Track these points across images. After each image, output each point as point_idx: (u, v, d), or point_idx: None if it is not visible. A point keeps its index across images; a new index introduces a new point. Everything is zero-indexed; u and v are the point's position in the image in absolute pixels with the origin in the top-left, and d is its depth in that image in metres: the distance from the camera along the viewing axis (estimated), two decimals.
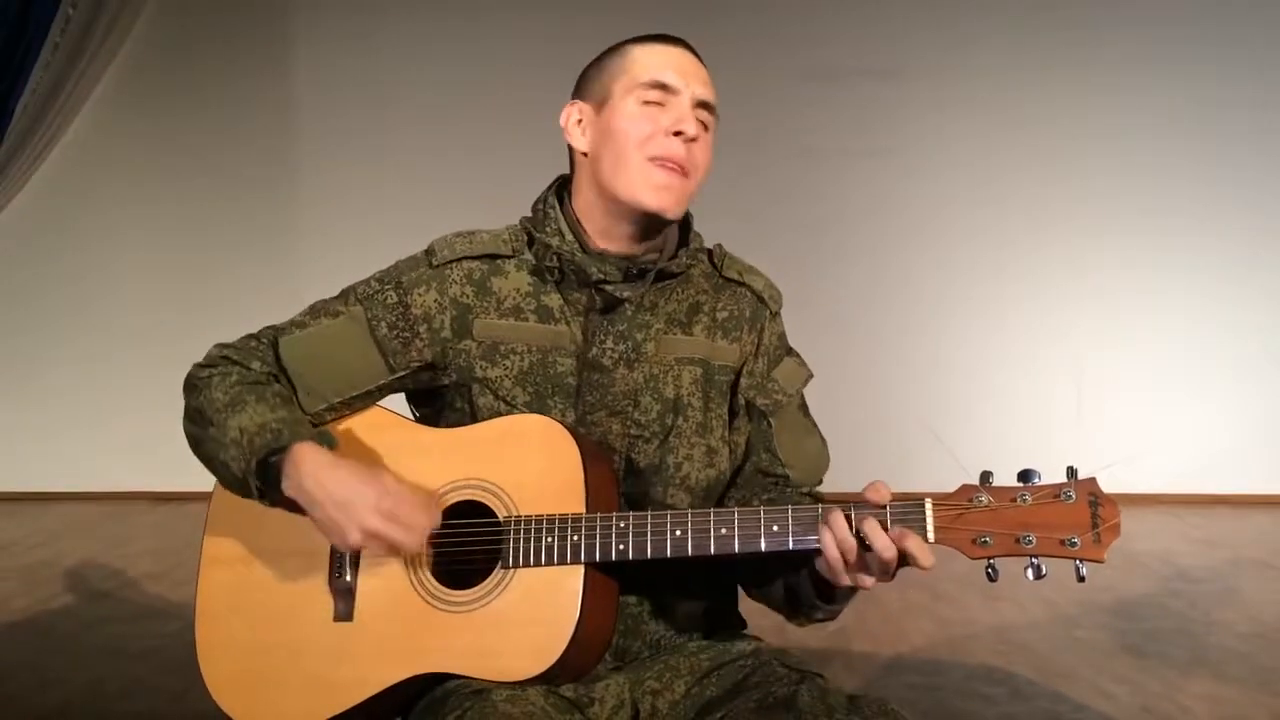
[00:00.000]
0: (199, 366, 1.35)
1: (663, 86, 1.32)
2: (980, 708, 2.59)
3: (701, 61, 1.38)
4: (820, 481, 1.46)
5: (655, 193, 1.31)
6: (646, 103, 1.32)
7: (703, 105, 1.34)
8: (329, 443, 1.28)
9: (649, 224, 1.34)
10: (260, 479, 1.25)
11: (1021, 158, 5.13)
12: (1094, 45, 5.11)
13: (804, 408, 1.47)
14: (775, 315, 1.46)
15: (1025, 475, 1.17)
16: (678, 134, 1.30)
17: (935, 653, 2.96)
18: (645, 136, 1.31)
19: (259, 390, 1.31)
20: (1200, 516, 4.77)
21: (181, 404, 1.35)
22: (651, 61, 1.34)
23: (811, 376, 1.47)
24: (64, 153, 5.26)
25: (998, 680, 2.77)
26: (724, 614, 1.42)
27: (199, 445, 1.32)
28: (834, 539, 1.17)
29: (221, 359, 1.34)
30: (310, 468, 1.22)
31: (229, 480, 1.29)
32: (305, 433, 1.27)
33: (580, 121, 1.38)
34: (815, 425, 1.47)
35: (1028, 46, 5.13)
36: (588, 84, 1.39)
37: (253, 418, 1.26)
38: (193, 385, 1.34)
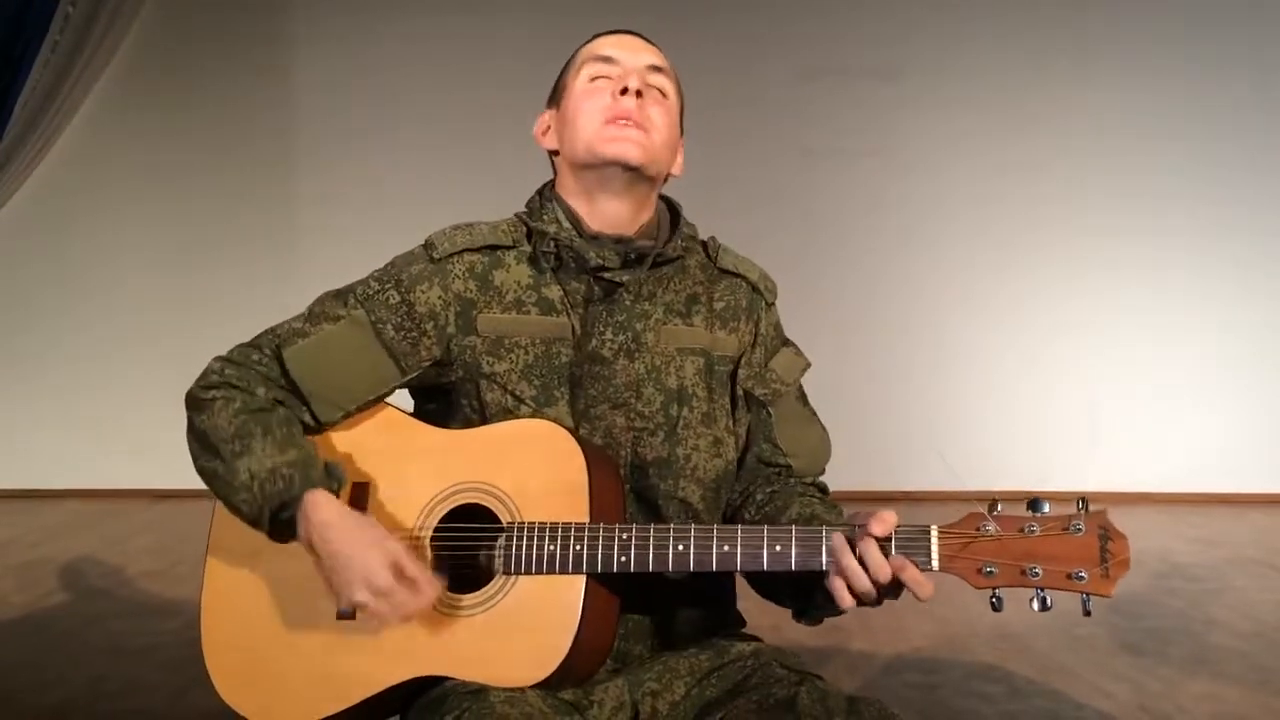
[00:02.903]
0: (201, 387, 1.32)
1: (606, 59, 1.38)
2: (979, 706, 2.59)
3: (651, 43, 1.42)
4: (822, 471, 1.47)
5: (612, 143, 1.33)
6: (594, 78, 1.38)
7: (653, 69, 1.39)
8: (338, 479, 1.28)
9: (622, 182, 1.35)
10: (272, 526, 1.26)
11: (1020, 157, 5.13)
12: (1092, 44, 5.12)
13: (803, 397, 1.48)
14: (771, 305, 1.47)
15: (1034, 504, 1.16)
16: (625, 92, 1.34)
17: (935, 651, 2.96)
18: (597, 103, 1.35)
19: (264, 420, 1.28)
20: (1199, 515, 4.77)
21: (181, 403, 1.32)
22: (596, 44, 1.41)
23: (809, 366, 1.48)
24: (63, 151, 5.25)
25: (997, 679, 2.77)
26: (723, 614, 1.41)
27: (208, 477, 1.30)
28: (836, 565, 1.17)
29: (224, 383, 1.30)
30: (319, 520, 1.23)
31: (239, 517, 1.29)
32: (316, 476, 1.25)
33: (548, 129, 1.44)
34: (815, 414, 1.48)
35: (1026, 46, 5.13)
36: (550, 94, 1.45)
37: (261, 460, 1.25)
38: (196, 403, 1.31)
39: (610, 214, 1.37)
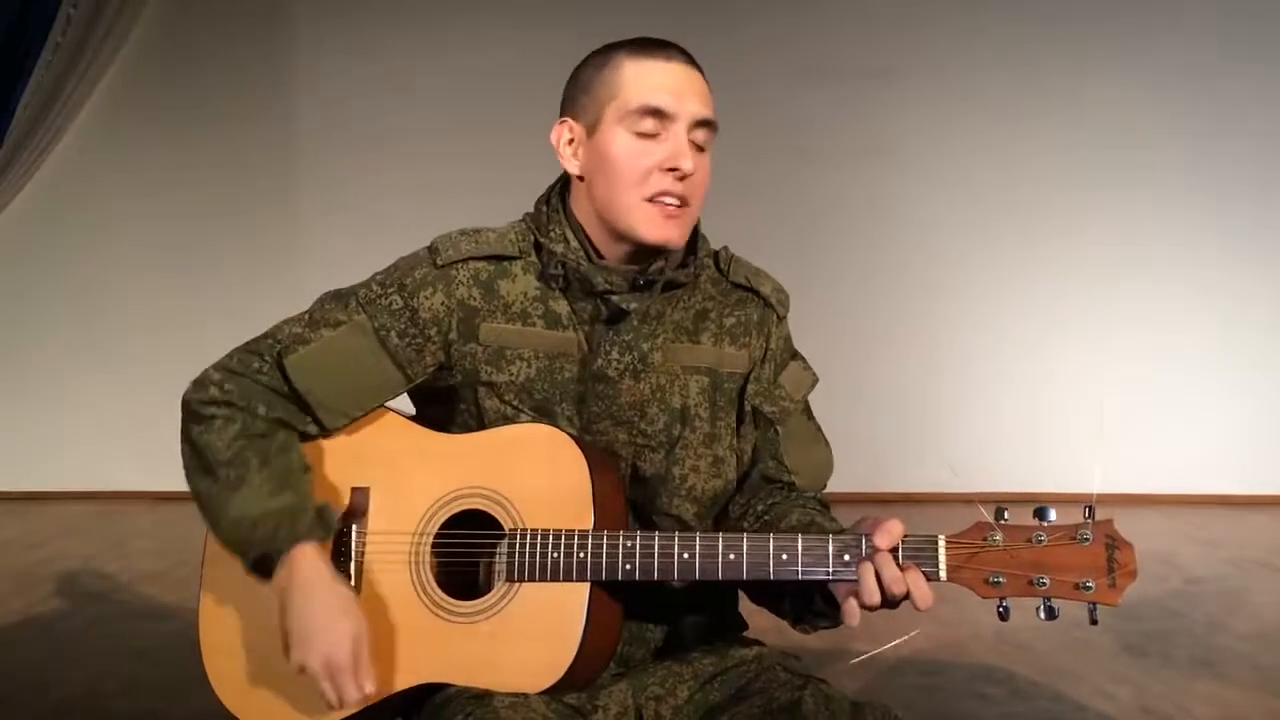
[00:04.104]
0: (200, 401, 1.28)
1: (657, 113, 1.26)
2: (981, 708, 2.59)
3: (698, 68, 1.31)
4: (824, 487, 1.45)
5: (655, 229, 1.28)
6: (640, 134, 1.27)
7: (701, 124, 1.29)
8: (328, 525, 1.26)
9: (650, 250, 1.31)
10: (252, 566, 1.26)
11: (1018, 155, 5.13)
12: (1090, 42, 5.11)
13: (809, 412, 1.46)
14: (782, 319, 1.44)
15: (1041, 512, 1.15)
16: (673, 169, 1.27)
17: (936, 653, 2.96)
18: (640, 174, 1.27)
19: (262, 450, 1.26)
20: (1201, 517, 4.77)
21: (179, 406, 1.32)
22: (644, 83, 1.27)
23: (817, 381, 1.45)
24: (65, 153, 5.25)
25: (998, 680, 2.76)
26: (725, 617, 1.41)
27: (198, 496, 1.29)
28: (853, 586, 1.17)
29: (225, 401, 1.27)
30: (303, 577, 1.23)
31: (220, 544, 1.29)
32: (303, 529, 1.24)
33: (572, 142, 1.33)
34: (820, 430, 1.46)
35: (1023, 44, 5.13)
36: (577, 100, 1.33)
37: (254, 502, 1.24)
38: (194, 415, 1.29)
39: (626, 254, 1.32)
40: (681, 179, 1.27)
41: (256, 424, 1.28)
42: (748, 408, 1.39)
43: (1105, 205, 5.13)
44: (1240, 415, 5.10)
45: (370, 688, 1.21)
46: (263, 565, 1.25)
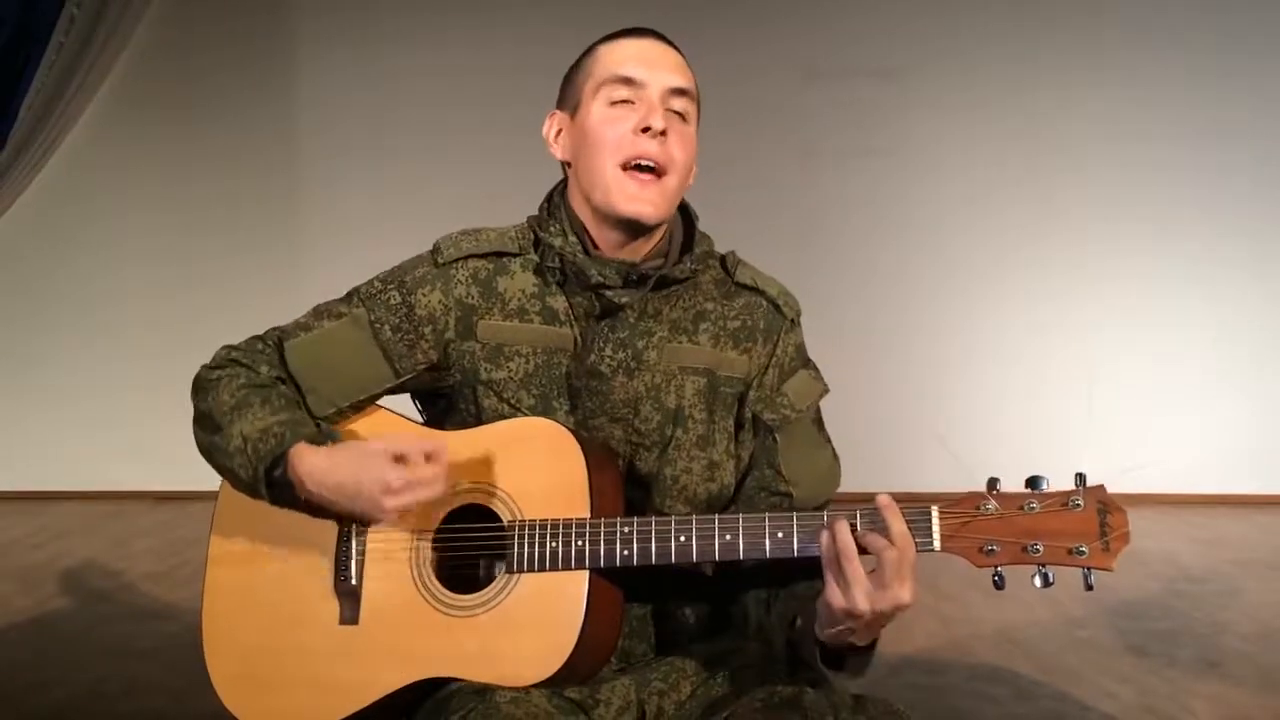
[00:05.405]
0: (207, 369, 1.34)
1: (627, 81, 1.30)
2: (983, 708, 2.59)
3: (673, 47, 1.35)
4: (827, 502, 1.37)
5: (630, 201, 1.29)
6: (614, 102, 1.30)
7: (676, 92, 1.31)
8: (331, 436, 1.27)
9: (635, 229, 1.32)
10: (269, 487, 1.24)
11: (1021, 156, 5.12)
12: (1093, 43, 5.10)
13: (818, 423, 1.42)
14: (794, 325, 1.41)
15: (1033, 482, 1.16)
16: (646, 130, 1.28)
17: (938, 652, 2.96)
18: (615, 140, 1.29)
19: (264, 393, 1.29)
20: (1204, 517, 4.76)
21: (186, 404, 1.34)
22: (616, 56, 1.32)
23: (826, 391, 1.42)
24: (68, 154, 5.25)
25: (1001, 680, 2.76)
26: (728, 612, 1.40)
27: (209, 453, 1.31)
28: (832, 542, 1.14)
29: (229, 361, 1.33)
30: (308, 469, 1.23)
31: (242, 488, 1.28)
32: (305, 432, 1.25)
33: (559, 132, 1.37)
34: (828, 442, 1.41)
35: (1024, 45, 5.12)
36: (563, 92, 1.38)
37: (254, 423, 1.25)
38: (200, 388, 1.33)
39: (616, 242, 1.33)
40: (656, 137, 1.28)
41: (260, 378, 1.32)
42: (748, 414, 1.38)
43: (1105, 205, 5.12)
44: (1240, 415, 5.09)
45: (439, 464, 1.21)
46: (277, 484, 1.24)
